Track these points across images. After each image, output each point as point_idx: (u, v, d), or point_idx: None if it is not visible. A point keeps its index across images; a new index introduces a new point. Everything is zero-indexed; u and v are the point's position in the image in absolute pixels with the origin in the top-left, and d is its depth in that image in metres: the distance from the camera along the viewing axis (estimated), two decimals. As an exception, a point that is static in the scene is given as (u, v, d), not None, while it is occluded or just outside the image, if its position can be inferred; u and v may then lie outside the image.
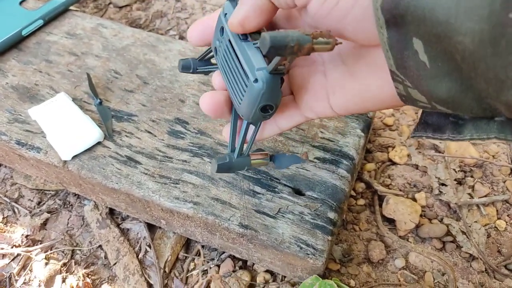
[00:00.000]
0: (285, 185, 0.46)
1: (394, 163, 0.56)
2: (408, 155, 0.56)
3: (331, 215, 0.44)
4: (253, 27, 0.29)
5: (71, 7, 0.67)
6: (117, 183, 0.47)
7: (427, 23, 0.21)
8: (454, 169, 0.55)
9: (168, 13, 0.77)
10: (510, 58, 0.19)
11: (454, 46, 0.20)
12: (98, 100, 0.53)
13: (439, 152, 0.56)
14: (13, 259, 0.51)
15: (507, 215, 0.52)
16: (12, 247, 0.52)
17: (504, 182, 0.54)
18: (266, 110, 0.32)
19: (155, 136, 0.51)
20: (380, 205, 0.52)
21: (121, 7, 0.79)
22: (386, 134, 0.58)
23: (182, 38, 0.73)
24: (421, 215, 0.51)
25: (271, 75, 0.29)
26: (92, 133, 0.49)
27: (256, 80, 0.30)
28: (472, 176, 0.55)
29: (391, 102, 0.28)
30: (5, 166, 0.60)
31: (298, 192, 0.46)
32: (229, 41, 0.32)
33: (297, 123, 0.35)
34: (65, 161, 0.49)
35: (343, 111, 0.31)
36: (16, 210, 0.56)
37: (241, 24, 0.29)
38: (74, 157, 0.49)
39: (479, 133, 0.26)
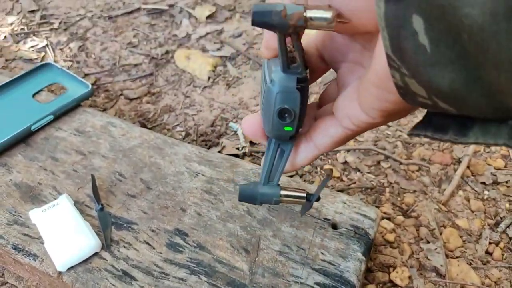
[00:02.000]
0: (283, 313, 0.45)
1: (395, 285, 0.55)
2: (410, 277, 0.55)
3: None
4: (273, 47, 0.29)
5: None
6: (110, 301, 0.45)
7: None
8: (456, 296, 0.53)
9: (176, 108, 0.80)
10: None
11: (460, 21, 0.17)
12: (100, 206, 0.53)
13: (441, 275, 0.55)
14: None
15: None
16: None
17: (508, 311, 0.53)
18: (284, 117, 0.30)
19: (154, 248, 0.50)
20: (380, 333, 0.50)
21: (131, 99, 0.81)
22: (387, 252, 0.58)
23: (188, 134, 0.75)
24: None
25: (285, 74, 0.28)
26: (90, 243, 0.49)
27: (271, 81, 0.29)
28: (474, 304, 0.53)
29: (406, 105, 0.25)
30: (-2, 263, 0.58)
31: (296, 322, 0.45)
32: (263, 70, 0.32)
33: (334, 137, 0.31)
34: (60, 272, 0.48)
35: (370, 110, 0.27)
36: (3, 313, 0.54)
37: (265, 47, 0.29)
38: (69, 268, 0.48)
39: (486, 137, 0.22)
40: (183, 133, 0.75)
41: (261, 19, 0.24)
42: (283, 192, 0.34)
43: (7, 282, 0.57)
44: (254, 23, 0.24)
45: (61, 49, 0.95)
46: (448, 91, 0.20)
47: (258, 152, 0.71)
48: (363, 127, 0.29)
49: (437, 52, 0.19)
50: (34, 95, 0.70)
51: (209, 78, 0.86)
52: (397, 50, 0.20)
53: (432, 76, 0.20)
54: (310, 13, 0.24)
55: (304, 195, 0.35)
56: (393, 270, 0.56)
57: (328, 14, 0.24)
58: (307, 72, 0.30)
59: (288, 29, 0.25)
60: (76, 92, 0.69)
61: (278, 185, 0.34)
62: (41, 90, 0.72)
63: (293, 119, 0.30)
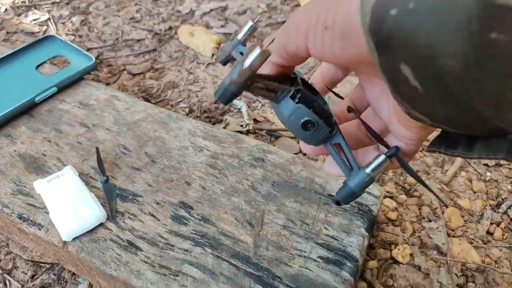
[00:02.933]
0: (287, 285, 0.45)
1: (396, 262, 0.55)
2: (411, 255, 0.56)
3: (332, 323, 0.43)
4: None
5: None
6: (115, 270, 0.46)
7: (411, 47, 0.20)
8: (456, 274, 0.54)
9: (180, 84, 0.79)
10: (504, 80, 0.18)
11: (441, 69, 0.20)
12: (105, 178, 0.53)
13: (442, 253, 0.56)
14: (-2, 338, 0.49)
15: (510, 327, 0.51)
16: (-2, 324, 0.50)
17: (507, 289, 0.53)
18: (309, 127, 0.33)
19: (159, 220, 0.50)
20: (381, 308, 0.51)
21: (134, 75, 0.81)
22: (389, 230, 0.58)
23: (192, 111, 0.74)
24: (422, 322, 0.50)
25: (279, 103, 0.32)
26: (95, 214, 0.49)
27: (278, 114, 0.33)
28: (474, 282, 0.54)
29: None
30: (1, 234, 0.59)
31: (299, 294, 0.45)
32: None
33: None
34: (65, 242, 0.48)
35: (412, 128, 0.29)
36: (7, 282, 0.54)
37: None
38: (75, 238, 0.48)
39: (488, 151, 0.25)
40: (187, 109, 0.75)
41: (225, 99, 0.28)
42: (368, 170, 0.34)
43: (12, 252, 0.57)
44: (225, 104, 0.28)
45: (63, 23, 0.93)
46: (445, 119, 0.23)
47: (262, 130, 0.71)
48: (417, 139, 0.30)
49: (428, 92, 0.21)
50: (37, 67, 0.70)
51: (212, 55, 0.85)
52: (397, 91, 0.23)
53: (428, 109, 0.23)
54: (246, 62, 0.27)
55: (384, 157, 0.33)
56: (395, 248, 0.56)
57: (256, 51, 0.26)
58: (297, 81, 0.33)
59: (247, 87, 0.28)
60: (79, 65, 0.69)
61: (359, 168, 0.34)
62: (44, 62, 0.71)
63: (317, 124, 0.33)
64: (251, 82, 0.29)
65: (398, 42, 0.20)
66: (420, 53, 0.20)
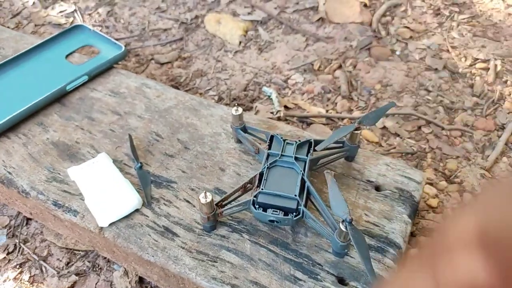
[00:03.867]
0: (328, 272, 0.44)
1: (438, 250, 0.53)
2: (454, 242, 0.53)
3: (378, 311, 0.41)
4: None
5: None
6: (153, 256, 0.45)
7: None
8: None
9: (208, 72, 0.78)
10: None
11: None
12: (139, 164, 0.52)
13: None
14: (36, 325, 0.49)
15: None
16: (36, 311, 0.50)
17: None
18: (274, 222, 0.45)
19: (194, 206, 0.49)
20: (424, 297, 0.49)
21: (162, 64, 0.80)
22: (430, 217, 0.56)
23: (221, 99, 0.73)
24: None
25: None
26: (131, 200, 0.48)
27: None
28: None
29: None
30: (36, 221, 0.59)
31: (341, 281, 0.43)
32: None
33: None
34: (101, 228, 0.47)
35: None
36: (43, 269, 0.54)
37: None
38: (111, 224, 0.47)
39: None
40: (216, 97, 0.74)
41: (207, 230, 0.47)
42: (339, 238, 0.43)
43: (46, 240, 0.57)
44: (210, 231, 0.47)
45: (89, 14, 0.93)
46: None
47: (293, 117, 0.70)
48: None
49: None
50: (67, 56, 0.70)
51: (240, 42, 0.83)
52: None
53: None
54: (202, 210, 0.45)
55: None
56: (437, 235, 0.54)
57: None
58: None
59: (215, 219, 0.47)
60: (109, 53, 0.68)
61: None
62: (74, 52, 0.71)
63: (279, 220, 0.44)
64: (214, 217, 0.45)
65: None
66: None
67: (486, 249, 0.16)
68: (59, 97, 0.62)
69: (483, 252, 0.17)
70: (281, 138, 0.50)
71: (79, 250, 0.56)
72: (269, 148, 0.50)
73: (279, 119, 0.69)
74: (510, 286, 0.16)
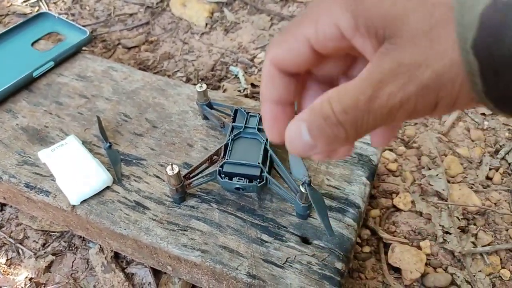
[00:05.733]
0: (292, 233, 0.46)
1: (398, 210, 0.56)
2: (412, 202, 0.57)
3: (339, 265, 0.44)
4: None
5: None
6: (125, 229, 0.47)
7: None
8: (457, 217, 0.55)
9: (175, 55, 0.79)
10: None
11: None
12: (108, 144, 0.54)
13: (442, 199, 0.57)
14: (16, 303, 0.51)
15: (511, 264, 0.52)
16: (15, 290, 0.52)
17: (507, 230, 0.55)
18: (240, 189, 0.47)
19: (164, 181, 0.51)
20: (386, 253, 0.53)
21: (129, 48, 0.81)
22: (390, 180, 0.59)
23: (188, 80, 0.75)
24: (426, 264, 0.51)
25: None
26: (101, 177, 0.50)
27: None
28: (475, 224, 0.55)
29: None
30: (11, 206, 0.60)
31: (305, 241, 0.46)
32: None
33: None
34: (73, 206, 0.49)
35: None
36: (20, 251, 0.55)
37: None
38: (83, 201, 0.49)
39: None
40: (184, 79, 0.75)
41: (177, 202, 0.49)
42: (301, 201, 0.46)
43: (22, 223, 0.58)
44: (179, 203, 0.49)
45: (54, 3, 0.93)
46: None
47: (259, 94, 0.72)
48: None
49: None
50: (32, 44, 0.70)
51: (206, 24, 0.85)
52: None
53: None
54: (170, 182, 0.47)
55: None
56: (396, 196, 0.57)
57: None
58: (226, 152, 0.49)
59: (183, 190, 0.49)
60: (74, 39, 0.69)
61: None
62: (40, 39, 0.71)
63: (244, 187, 0.46)
64: (182, 188, 0.47)
65: None
66: None
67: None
68: (27, 84, 0.63)
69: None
70: (245, 111, 0.52)
71: (54, 232, 0.57)
72: (234, 121, 0.52)
73: (246, 96, 0.71)
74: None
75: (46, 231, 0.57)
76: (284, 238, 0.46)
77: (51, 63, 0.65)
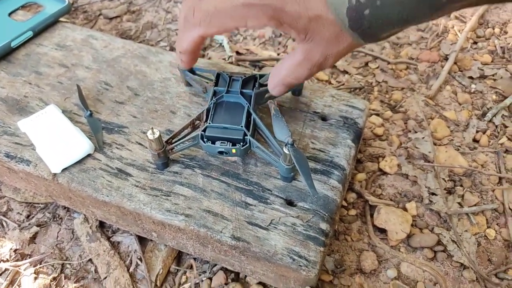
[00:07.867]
0: (277, 196, 0.46)
1: (384, 173, 0.56)
2: (398, 165, 0.57)
3: (323, 226, 0.44)
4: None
5: (61, 19, 0.67)
6: (107, 196, 0.46)
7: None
8: (443, 179, 0.55)
9: (158, 24, 0.77)
10: None
11: None
12: (88, 112, 0.53)
13: (429, 161, 0.57)
14: (0, 274, 0.50)
15: (497, 224, 0.53)
16: None
17: (493, 191, 0.55)
18: (223, 153, 0.47)
19: (146, 148, 0.51)
20: (372, 215, 0.52)
21: (111, 18, 0.79)
22: (376, 144, 0.59)
23: (172, 49, 0.73)
24: (412, 225, 0.51)
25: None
26: (82, 145, 0.49)
27: None
28: (461, 185, 0.55)
29: None
30: (-7, 179, 0.59)
31: (290, 203, 0.46)
32: None
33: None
34: (54, 174, 0.48)
35: None
36: (4, 223, 0.55)
37: None
38: (64, 170, 0.48)
39: None
40: (167, 48, 0.73)
41: (160, 168, 0.49)
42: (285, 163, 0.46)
43: (5, 196, 0.57)
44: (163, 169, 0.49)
45: (33, -26, 0.90)
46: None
47: (245, 61, 0.70)
48: None
49: None
50: (10, 14, 0.68)
51: (190, -7, 0.83)
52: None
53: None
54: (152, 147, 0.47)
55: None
56: (382, 160, 0.57)
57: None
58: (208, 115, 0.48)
59: (165, 155, 0.48)
60: (53, 8, 0.67)
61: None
62: (17, 9, 0.69)
63: (227, 151, 0.46)
64: (165, 154, 0.47)
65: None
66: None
67: None
68: (5, 55, 0.61)
69: None
70: (227, 74, 0.51)
71: (38, 203, 0.56)
72: (216, 86, 0.51)
73: (231, 64, 0.70)
74: None
75: (30, 203, 0.56)
76: (268, 201, 0.46)
77: (30, 33, 0.63)
